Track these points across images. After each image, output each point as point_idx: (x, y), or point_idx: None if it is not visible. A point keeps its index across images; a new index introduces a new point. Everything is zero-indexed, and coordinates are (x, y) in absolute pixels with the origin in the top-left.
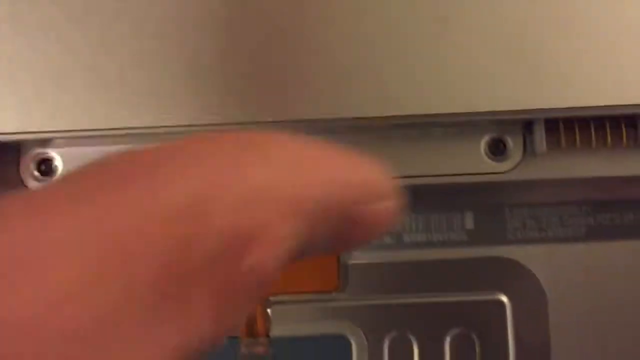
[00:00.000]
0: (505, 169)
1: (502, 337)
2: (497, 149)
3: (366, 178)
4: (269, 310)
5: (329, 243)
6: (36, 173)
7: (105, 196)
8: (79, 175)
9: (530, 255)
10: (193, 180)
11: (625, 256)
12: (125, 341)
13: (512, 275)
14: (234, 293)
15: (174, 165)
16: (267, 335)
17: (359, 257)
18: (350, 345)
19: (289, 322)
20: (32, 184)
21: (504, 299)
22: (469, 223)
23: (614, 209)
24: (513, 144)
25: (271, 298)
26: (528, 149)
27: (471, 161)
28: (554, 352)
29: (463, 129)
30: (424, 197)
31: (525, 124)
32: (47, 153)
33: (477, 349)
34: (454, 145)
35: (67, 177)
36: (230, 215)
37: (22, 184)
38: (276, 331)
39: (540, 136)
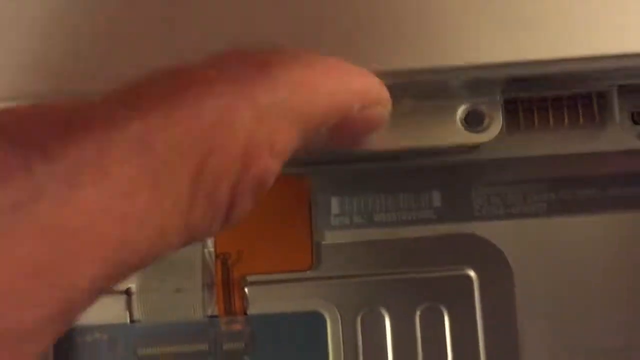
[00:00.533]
0: (485, 139)
1: (470, 310)
2: (474, 121)
3: (362, 85)
4: (246, 290)
5: (323, 143)
6: None
7: (155, 113)
8: (132, 90)
9: (496, 231)
10: (217, 100)
11: (586, 229)
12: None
13: (479, 251)
14: (242, 193)
15: (197, 89)
16: (245, 314)
17: (331, 238)
18: (324, 320)
19: (265, 300)
20: None
21: (472, 273)
22: (437, 201)
23: (574, 185)
24: (490, 117)
25: (248, 278)
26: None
27: (448, 133)
28: (520, 322)
29: (436, 103)
30: (393, 178)
31: None
32: None
33: (447, 322)
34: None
35: (118, 93)
36: (247, 130)
37: None
38: (253, 309)
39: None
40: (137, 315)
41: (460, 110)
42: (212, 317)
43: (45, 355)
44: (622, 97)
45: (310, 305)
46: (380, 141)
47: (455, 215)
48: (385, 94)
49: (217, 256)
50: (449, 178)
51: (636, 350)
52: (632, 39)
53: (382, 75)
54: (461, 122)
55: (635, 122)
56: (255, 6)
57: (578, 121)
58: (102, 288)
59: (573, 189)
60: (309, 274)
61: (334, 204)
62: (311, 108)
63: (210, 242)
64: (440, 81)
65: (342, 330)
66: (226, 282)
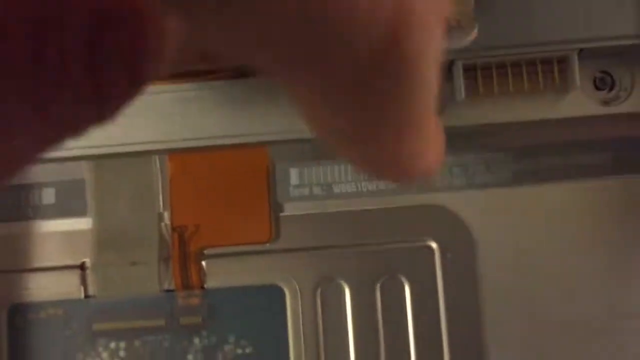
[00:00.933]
0: (456, 45)
1: (431, 281)
2: None
3: None
4: (203, 263)
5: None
6: None
7: None
8: None
9: (458, 202)
10: None
11: (550, 199)
12: None
13: (440, 222)
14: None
15: None
16: (202, 287)
17: (290, 209)
18: (284, 294)
19: (223, 273)
20: None
21: (433, 244)
22: None
23: (537, 154)
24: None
25: (205, 251)
26: (448, 96)
27: None
28: (482, 293)
29: None
30: None
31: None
32: None
33: (407, 294)
34: None
35: None
36: None
37: None
38: (211, 283)
39: (459, 83)
40: (91, 290)
41: None
42: (168, 291)
43: None
44: (583, 61)
45: (269, 278)
46: None
47: (416, 186)
48: None
49: (173, 229)
50: None
51: (596, 317)
52: None
53: None
54: None
55: (597, 88)
56: None
57: (538, 87)
58: None
59: (536, 157)
60: (267, 246)
61: (293, 174)
62: None
63: (166, 215)
64: None
65: (301, 304)
66: (183, 256)
